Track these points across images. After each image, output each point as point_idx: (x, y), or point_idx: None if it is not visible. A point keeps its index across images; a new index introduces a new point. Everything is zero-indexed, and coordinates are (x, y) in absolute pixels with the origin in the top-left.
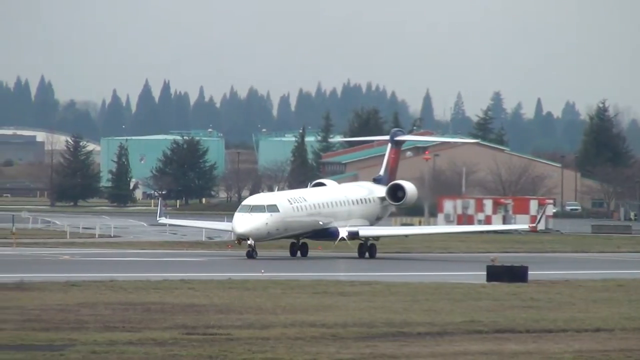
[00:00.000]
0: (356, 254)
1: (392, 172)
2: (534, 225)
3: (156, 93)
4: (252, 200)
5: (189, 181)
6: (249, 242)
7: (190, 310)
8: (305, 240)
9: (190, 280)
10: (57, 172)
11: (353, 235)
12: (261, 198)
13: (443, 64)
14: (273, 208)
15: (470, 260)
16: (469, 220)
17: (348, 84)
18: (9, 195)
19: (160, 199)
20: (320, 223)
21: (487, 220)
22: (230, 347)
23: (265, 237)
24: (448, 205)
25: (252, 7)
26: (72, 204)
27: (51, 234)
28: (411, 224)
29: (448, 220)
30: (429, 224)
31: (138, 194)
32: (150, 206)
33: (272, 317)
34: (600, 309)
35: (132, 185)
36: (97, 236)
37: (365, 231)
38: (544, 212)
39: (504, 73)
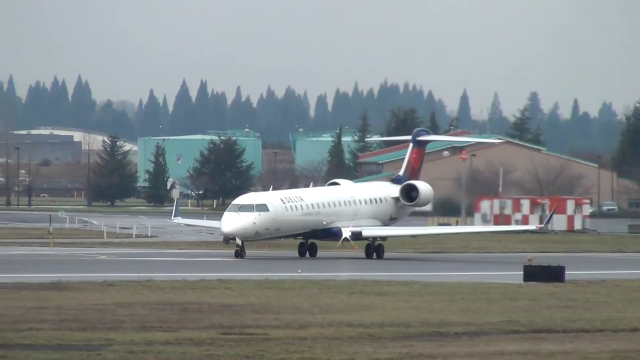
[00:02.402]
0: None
1: (413, 172)
2: (542, 225)
3: (193, 93)
4: (241, 199)
5: (226, 181)
6: (236, 241)
7: (227, 310)
8: (314, 240)
9: (227, 280)
10: (94, 172)
11: (356, 236)
12: (251, 197)
13: (480, 64)
14: (262, 207)
15: (504, 261)
16: (506, 220)
17: (385, 84)
18: (46, 195)
19: (177, 198)
20: (324, 223)
21: (524, 220)
22: (267, 347)
23: (253, 237)
24: (485, 205)
25: (288, 7)
26: (109, 203)
27: (88, 234)
28: (448, 224)
29: (485, 220)
30: (465, 223)
31: (175, 193)
32: (187, 206)
33: (309, 317)
34: (638, 308)
35: (169, 185)
36: (134, 236)
37: (369, 231)
38: (552, 212)
39: (541, 73)
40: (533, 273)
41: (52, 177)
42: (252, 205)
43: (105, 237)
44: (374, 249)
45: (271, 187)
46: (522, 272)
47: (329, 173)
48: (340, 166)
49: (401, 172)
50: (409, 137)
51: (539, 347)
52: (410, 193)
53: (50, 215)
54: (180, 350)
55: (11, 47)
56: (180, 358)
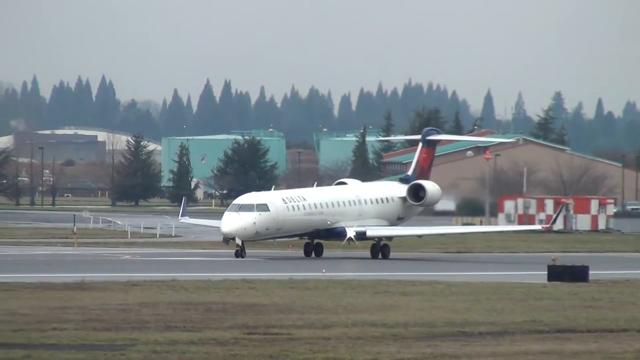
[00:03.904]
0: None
1: (422, 172)
2: (548, 225)
3: (217, 93)
4: (242, 199)
5: (250, 181)
6: (236, 241)
7: (251, 310)
8: (319, 240)
9: (251, 280)
10: (118, 172)
11: (361, 236)
12: (251, 197)
13: (504, 64)
14: (262, 207)
15: (528, 261)
16: (530, 220)
17: (409, 84)
18: (70, 195)
19: (184, 197)
20: (328, 222)
21: (548, 220)
22: (291, 346)
23: (253, 237)
24: (509, 205)
25: (312, 7)
26: (133, 203)
27: (112, 234)
28: (472, 224)
29: (509, 220)
30: (489, 223)
31: (199, 193)
32: (212, 206)
33: (333, 316)
34: None
35: (193, 185)
36: (158, 236)
37: (374, 231)
38: (560, 211)
39: (565, 73)
40: (557, 273)
41: (76, 177)
42: (253, 205)
43: (129, 237)
44: (380, 249)
45: (273, 187)
46: (546, 272)
47: (353, 173)
48: (365, 166)
49: (410, 172)
50: (418, 137)
51: (563, 347)
52: (417, 193)
53: (74, 215)
54: (204, 350)
55: (35, 47)
56: (204, 358)
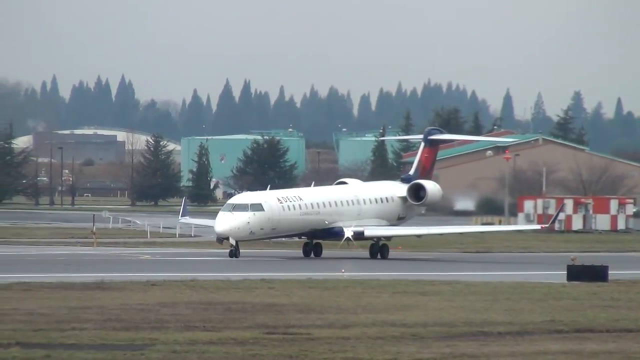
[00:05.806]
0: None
1: (423, 172)
2: (546, 225)
3: (236, 92)
4: (236, 199)
5: (269, 181)
6: (230, 241)
7: (271, 309)
8: (318, 240)
9: (271, 280)
10: (137, 172)
11: (359, 236)
12: (246, 197)
13: (523, 63)
14: (257, 207)
15: (547, 261)
16: (549, 220)
17: (428, 84)
18: (89, 194)
19: (184, 197)
20: (326, 222)
21: (568, 220)
22: (310, 346)
23: (247, 237)
24: (528, 204)
25: (330, 7)
26: (152, 203)
27: (131, 234)
28: (492, 223)
29: (528, 220)
30: (509, 223)
31: (218, 193)
32: None
33: (352, 316)
34: None
35: (212, 184)
36: (177, 236)
37: (372, 231)
38: (559, 211)
39: (584, 72)
40: (576, 273)
41: (96, 176)
42: (247, 204)
43: (148, 236)
44: (378, 249)
45: (269, 186)
46: (565, 272)
47: (372, 172)
48: (384, 166)
49: (412, 172)
50: (420, 136)
51: (582, 346)
52: (418, 192)
53: (94, 215)
54: (223, 350)
55: (54, 47)
56: (224, 358)
